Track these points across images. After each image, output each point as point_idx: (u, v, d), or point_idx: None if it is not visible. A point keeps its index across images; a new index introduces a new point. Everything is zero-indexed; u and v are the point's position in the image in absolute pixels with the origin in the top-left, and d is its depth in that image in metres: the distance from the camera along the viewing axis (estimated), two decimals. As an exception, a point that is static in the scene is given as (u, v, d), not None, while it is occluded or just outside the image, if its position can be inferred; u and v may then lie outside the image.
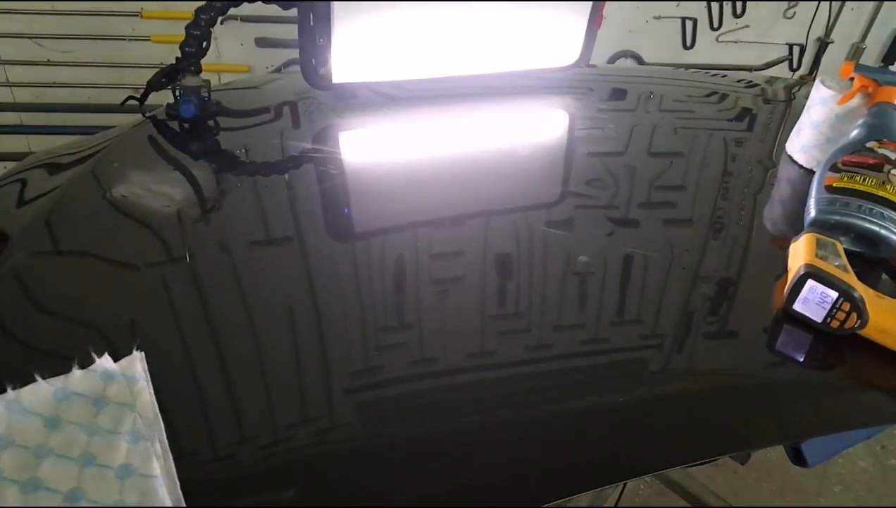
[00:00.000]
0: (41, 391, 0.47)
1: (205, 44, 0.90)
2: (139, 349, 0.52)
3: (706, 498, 1.29)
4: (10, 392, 0.47)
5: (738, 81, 1.32)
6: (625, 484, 1.37)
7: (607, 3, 1.12)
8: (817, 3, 2.67)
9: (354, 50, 0.93)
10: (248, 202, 0.77)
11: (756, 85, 1.29)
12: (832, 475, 1.80)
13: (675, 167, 0.92)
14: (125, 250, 0.66)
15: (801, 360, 0.61)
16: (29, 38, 2.03)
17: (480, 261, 0.69)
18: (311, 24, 0.87)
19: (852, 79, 0.87)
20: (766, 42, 2.77)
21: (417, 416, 0.53)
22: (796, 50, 2.82)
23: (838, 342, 0.61)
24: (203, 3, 0.88)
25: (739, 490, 1.72)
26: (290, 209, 0.76)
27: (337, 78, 0.93)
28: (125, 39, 2.05)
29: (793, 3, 2.68)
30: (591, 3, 1.05)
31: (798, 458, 0.63)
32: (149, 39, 2.03)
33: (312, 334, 0.58)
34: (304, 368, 0.55)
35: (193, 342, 0.56)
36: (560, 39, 1.08)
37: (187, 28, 0.88)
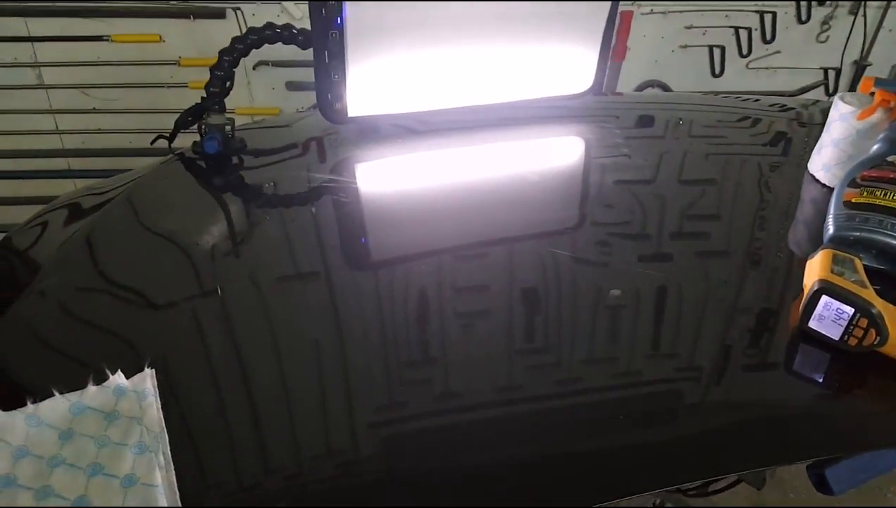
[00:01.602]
0: (58, 405, 0.49)
1: (228, 84, 0.94)
2: (150, 366, 0.53)
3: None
4: (29, 406, 0.49)
5: (772, 105, 1.30)
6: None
7: (631, 35, 1.12)
8: (852, 24, 2.63)
9: (368, 85, 0.96)
10: (272, 235, 0.78)
11: (791, 109, 1.27)
12: None
13: (705, 195, 0.91)
14: (154, 275, 0.69)
15: (818, 379, 0.60)
16: (77, 87, 2.14)
17: (507, 294, 0.68)
18: (327, 61, 0.90)
19: (872, 94, 0.86)
20: (800, 67, 2.74)
21: (442, 450, 0.52)
22: (832, 74, 2.77)
23: (857, 360, 0.59)
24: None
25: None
26: (315, 242, 0.77)
27: (352, 112, 0.96)
28: (164, 87, 2.15)
29: (825, 26, 2.65)
30: (602, 29, 1.06)
31: (822, 485, 0.61)
32: (186, 86, 2.13)
33: (336, 366, 0.59)
34: (328, 400, 0.55)
35: (219, 372, 0.57)
36: (572, 67, 1.09)
37: (211, 69, 0.92)
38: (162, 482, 0.44)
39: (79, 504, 0.43)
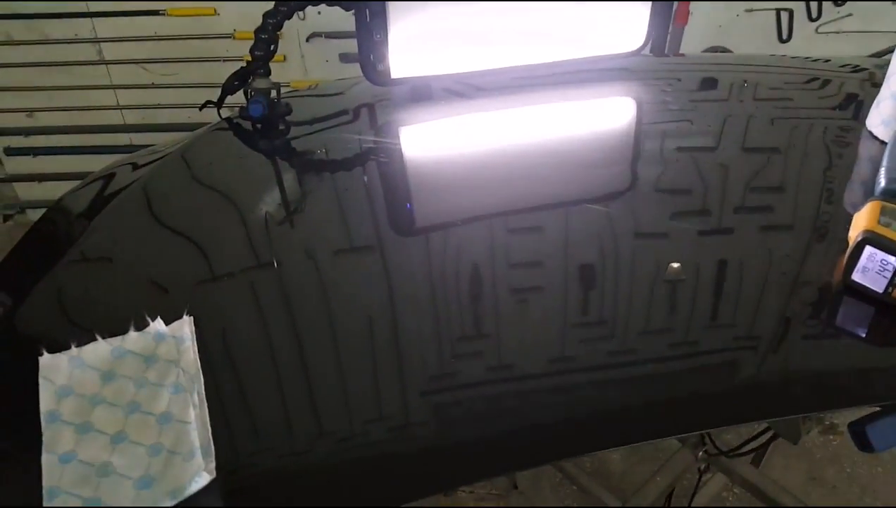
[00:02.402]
0: (100, 349, 0.52)
1: (272, 47, 0.95)
2: (188, 313, 0.56)
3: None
4: (73, 349, 0.51)
5: (843, 66, 1.23)
6: (696, 488, 1.31)
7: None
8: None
9: (412, 45, 0.95)
10: (324, 205, 0.79)
11: (864, 69, 1.20)
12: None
13: (771, 163, 0.87)
14: (204, 235, 0.72)
15: (861, 333, 0.58)
16: (135, 63, 2.21)
17: (562, 266, 0.67)
18: (368, 20, 0.90)
19: (938, 45, 0.81)
20: (873, 31, 2.59)
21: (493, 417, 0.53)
22: (907, 37, 2.61)
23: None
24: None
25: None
26: (368, 212, 0.77)
27: (396, 73, 0.96)
28: (220, 61, 2.20)
29: (900, -14, 2.49)
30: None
31: (863, 443, 0.59)
32: (241, 59, 2.17)
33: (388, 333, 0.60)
34: (381, 368, 0.56)
35: (273, 338, 0.59)
36: (622, 23, 1.05)
37: (256, 32, 0.93)
38: (195, 420, 0.46)
39: (117, 439, 0.45)
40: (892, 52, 2.66)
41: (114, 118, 2.34)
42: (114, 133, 2.34)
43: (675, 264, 0.65)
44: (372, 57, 0.94)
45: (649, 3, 1.04)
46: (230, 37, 2.15)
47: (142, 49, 2.19)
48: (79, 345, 0.52)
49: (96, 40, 2.18)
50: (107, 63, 2.23)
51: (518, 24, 0.99)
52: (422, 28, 0.95)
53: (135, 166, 0.88)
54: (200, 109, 1.04)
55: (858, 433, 0.60)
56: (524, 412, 0.52)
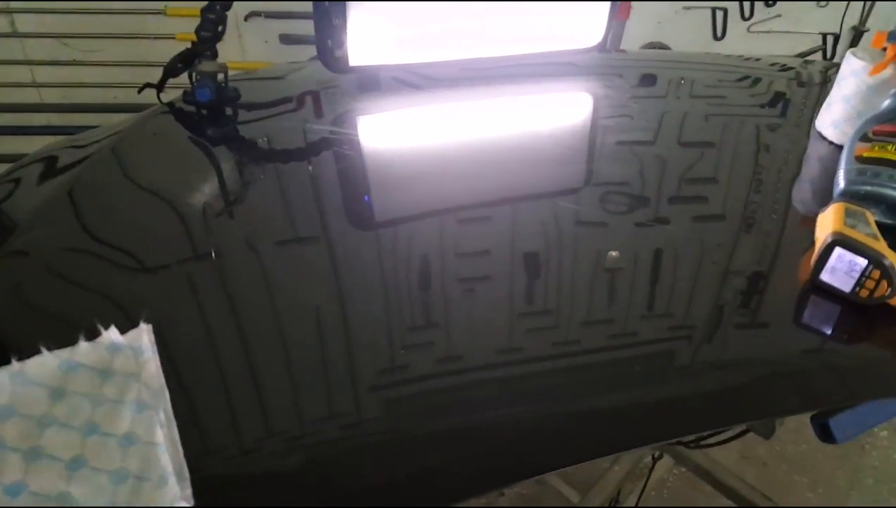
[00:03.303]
0: (46, 362, 0.47)
1: (220, 28, 0.90)
2: (147, 322, 0.51)
3: (738, 488, 1.26)
4: (14, 364, 0.46)
5: (772, 65, 1.28)
6: (647, 477, 1.35)
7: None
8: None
9: (371, 32, 0.92)
10: (270, 194, 0.76)
11: (791, 68, 1.25)
12: (866, 467, 1.76)
13: (706, 157, 0.88)
14: (144, 233, 0.66)
15: (828, 331, 0.59)
16: (55, 37, 2.06)
17: (508, 255, 0.66)
18: (327, 4, 0.86)
19: (885, 49, 0.84)
20: (799, 32, 2.70)
21: (444, 412, 0.51)
22: (830, 39, 2.74)
23: (868, 312, 0.59)
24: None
25: (770, 483, 1.69)
26: (314, 202, 0.74)
27: (354, 61, 0.92)
28: (150, 38, 2.08)
29: (825, -11, 2.61)
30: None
31: (825, 434, 0.61)
32: (174, 37, 2.06)
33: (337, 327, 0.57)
34: (330, 363, 0.54)
35: (216, 336, 0.55)
36: (582, 21, 1.05)
37: (203, 11, 0.88)
38: (164, 440, 0.43)
39: (74, 465, 0.41)
40: (815, 52, 2.77)
41: (29, 96, 2.18)
42: (29, 113, 2.19)
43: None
44: (330, 43, 0.90)
45: (608, 4, 1.04)
46: (161, 13, 2.03)
47: (62, 22, 2.04)
48: (20, 359, 0.47)
49: (8, 11, 2.02)
50: (21, 36, 2.07)
51: (479, 17, 0.98)
52: (382, 16, 0.91)
53: (71, 151, 0.81)
54: (139, 91, 0.97)
55: (821, 425, 0.62)
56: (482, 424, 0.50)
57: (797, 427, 1.82)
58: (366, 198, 0.77)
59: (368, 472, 0.45)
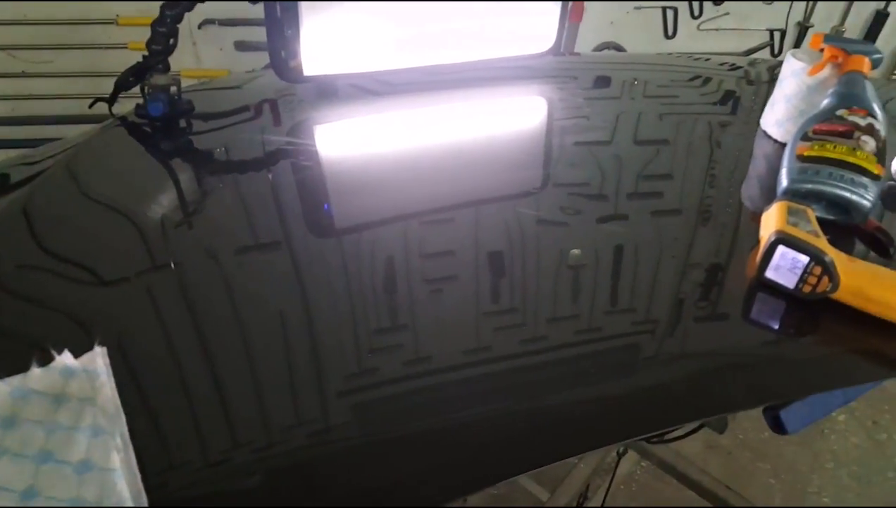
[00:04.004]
0: (-2, 390, 0.46)
1: (172, 41, 0.89)
2: (100, 344, 0.51)
3: (701, 480, 1.29)
4: (-35, 392, 0.46)
5: (721, 65, 1.31)
6: (613, 473, 1.37)
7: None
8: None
9: (325, 41, 0.92)
10: (230, 204, 0.75)
11: (739, 67, 1.29)
12: (825, 451, 1.81)
13: (661, 154, 0.91)
14: (100, 249, 0.65)
15: (774, 326, 0.61)
16: (2, 49, 2.01)
17: (472, 256, 0.67)
18: (279, 14, 0.86)
19: (822, 50, 0.87)
20: (747, 29, 2.78)
21: (413, 414, 0.52)
22: (777, 35, 2.82)
23: (811, 306, 0.61)
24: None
25: (734, 471, 1.73)
26: (275, 210, 0.74)
27: (308, 71, 0.92)
28: (102, 48, 2.04)
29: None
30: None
31: (777, 426, 0.63)
32: (126, 47, 2.02)
33: (303, 334, 0.57)
34: (297, 371, 0.54)
35: (179, 349, 0.54)
36: (534, 26, 1.07)
37: (153, 25, 0.87)
38: (121, 465, 0.42)
39: (27, 496, 0.41)
40: (763, 48, 2.85)
41: (-24, 109, 2.12)
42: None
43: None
44: (283, 53, 0.90)
45: (559, 8, 1.06)
46: (113, 22, 1.99)
47: (8, 34, 1.99)
48: (-28, 387, 0.46)
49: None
50: (-36, 48, 2.02)
51: (433, 24, 0.98)
52: (335, 24, 0.91)
53: (24, 168, 0.80)
54: (90, 106, 0.95)
55: (773, 417, 0.65)
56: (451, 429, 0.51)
57: (759, 416, 1.87)
58: (325, 206, 0.77)
59: (338, 478, 0.46)
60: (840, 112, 0.77)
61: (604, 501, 1.38)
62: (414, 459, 0.48)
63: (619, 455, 1.35)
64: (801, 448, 1.81)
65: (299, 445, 0.48)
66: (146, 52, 0.88)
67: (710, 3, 2.65)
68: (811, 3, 2.78)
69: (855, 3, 2.85)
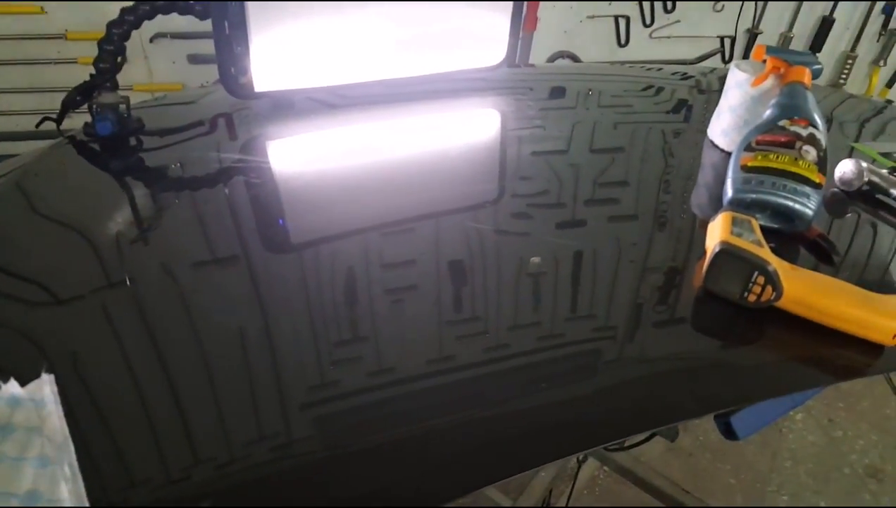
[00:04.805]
0: (-59, 421, 0.45)
1: (119, 59, 0.88)
2: (48, 371, 0.50)
3: (659, 484, 1.32)
4: None
5: (673, 74, 1.35)
6: (575, 478, 1.39)
7: (541, 3, 1.12)
8: (743, -5, 2.76)
9: (275, 57, 0.92)
10: (185, 220, 0.74)
11: (691, 77, 1.32)
12: (784, 450, 1.86)
13: (616, 162, 0.93)
14: (51, 269, 0.64)
15: (721, 335, 0.63)
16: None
17: (432, 266, 0.68)
18: (227, 31, 0.86)
19: (765, 61, 0.90)
20: (698, 36, 2.85)
21: (377, 426, 0.51)
22: (727, 42, 2.90)
23: (756, 315, 0.63)
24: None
25: (695, 472, 1.76)
26: (231, 225, 0.74)
27: (259, 87, 0.92)
28: (51, 63, 2.00)
29: (719, -4, 2.76)
30: (511, 1, 1.06)
31: (728, 432, 0.65)
32: (76, 62, 1.98)
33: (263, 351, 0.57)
34: (258, 385, 0.53)
35: (136, 367, 0.54)
36: (484, 40, 1.08)
37: (100, 43, 0.85)
38: (69, 495, 0.42)
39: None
40: (714, 54, 2.93)
41: (-80, 126, 2.06)
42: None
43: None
44: (233, 70, 0.89)
45: (508, 21, 1.07)
46: (61, 37, 1.95)
47: (-47, 50, 1.94)
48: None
49: None
50: None
51: (385, 37, 0.99)
52: (286, 39, 0.91)
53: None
54: (37, 125, 0.93)
55: (724, 423, 0.66)
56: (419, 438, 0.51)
57: (716, 418, 1.92)
58: (280, 221, 0.77)
59: (302, 493, 0.46)
60: (782, 123, 0.80)
61: (567, 504, 1.40)
62: (379, 471, 0.48)
63: (579, 462, 1.36)
64: (760, 448, 1.86)
65: (262, 460, 0.48)
66: (94, 72, 0.87)
67: (661, 12, 2.72)
68: (759, 6, 2.86)
69: (802, 10, 2.95)
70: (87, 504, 0.42)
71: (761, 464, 1.81)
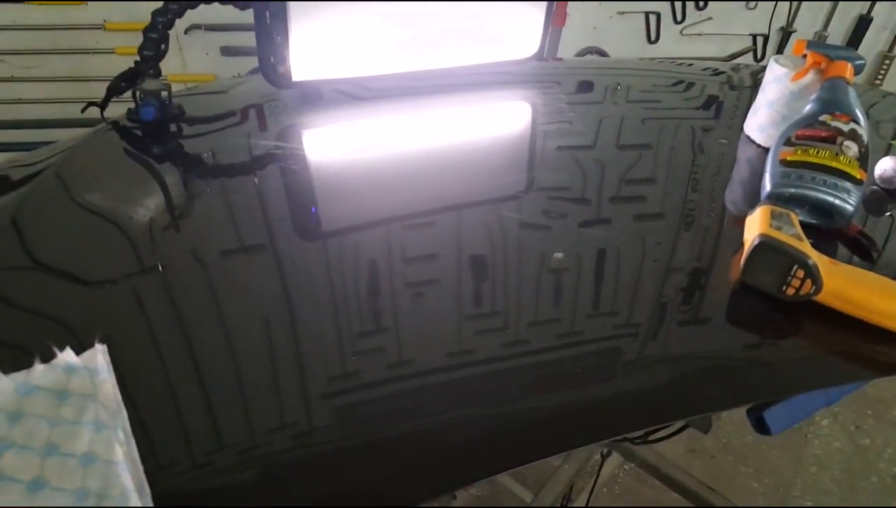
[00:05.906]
0: (2, 386, 0.47)
1: (163, 46, 0.89)
2: (101, 342, 0.51)
3: (683, 480, 1.31)
4: (-31, 389, 0.46)
5: (704, 70, 1.34)
6: (597, 474, 1.39)
7: (571, 1, 1.11)
8: (777, -7, 2.72)
9: (313, 47, 0.93)
10: (217, 207, 0.76)
11: (722, 73, 1.31)
12: (808, 456, 1.83)
13: (644, 159, 0.93)
14: (91, 253, 0.66)
15: (758, 328, 0.63)
16: (-8, 54, 2.01)
17: (455, 260, 0.68)
18: (268, 21, 0.87)
19: (805, 56, 0.89)
20: (730, 34, 2.81)
21: (397, 416, 0.52)
22: (760, 40, 2.86)
23: (794, 309, 0.62)
24: (160, 4, 0.88)
25: (717, 474, 1.75)
26: (260, 214, 0.75)
27: (297, 76, 0.94)
28: (89, 53, 2.04)
29: (753, -6, 2.72)
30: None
31: (761, 427, 0.65)
32: (113, 52, 2.02)
33: (288, 339, 0.58)
34: (281, 373, 0.54)
35: (165, 351, 0.55)
36: (519, 32, 1.09)
37: (144, 31, 0.87)
38: (124, 457, 0.43)
39: (34, 486, 0.41)
40: (746, 52, 2.89)
41: (-34, 114, 2.11)
42: (-35, 130, 2.12)
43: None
44: (272, 59, 0.91)
45: (543, 13, 1.07)
46: (100, 27, 1.99)
47: (-1, 39, 1.99)
48: (-25, 384, 0.47)
49: (-60, 28, 1.96)
50: (-46, 53, 2.01)
51: (421, 29, 1.00)
52: (324, 30, 0.93)
53: (15, 170, 0.80)
54: (83, 110, 0.96)
55: (757, 417, 0.66)
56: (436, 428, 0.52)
57: (742, 420, 1.89)
58: (313, 209, 0.78)
59: (322, 480, 0.46)
60: (823, 117, 0.79)
61: (587, 502, 1.40)
62: (397, 460, 0.49)
63: (603, 457, 1.36)
64: (784, 453, 1.83)
65: (282, 447, 0.49)
66: (137, 58, 0.89)
67: (692, 8, 2.69)
68: (794, 5, 2.82)
69: (838, 8, 2.90)
70: (140, 466, 0.43)
71: (785, 469, 1.79)
